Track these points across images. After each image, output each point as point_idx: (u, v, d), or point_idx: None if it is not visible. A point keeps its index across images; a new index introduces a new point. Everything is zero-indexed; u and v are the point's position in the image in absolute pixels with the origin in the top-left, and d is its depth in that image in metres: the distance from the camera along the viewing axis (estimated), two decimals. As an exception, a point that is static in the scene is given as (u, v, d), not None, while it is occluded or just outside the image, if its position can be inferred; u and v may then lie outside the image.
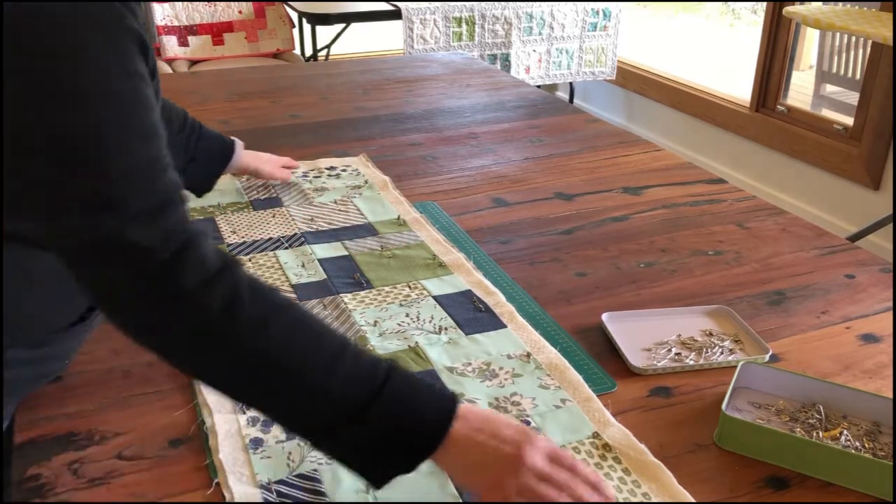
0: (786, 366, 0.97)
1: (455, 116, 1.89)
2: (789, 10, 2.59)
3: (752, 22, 6.73)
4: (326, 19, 3.23)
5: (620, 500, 0.73)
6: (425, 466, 0.72)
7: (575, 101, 4.31)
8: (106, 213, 0.64)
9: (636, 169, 1.59)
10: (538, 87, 3.13)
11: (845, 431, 0.85)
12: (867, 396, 0.87)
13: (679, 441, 0.85)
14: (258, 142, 1.56)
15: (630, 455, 0.81)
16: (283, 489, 0.76)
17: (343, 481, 0.78)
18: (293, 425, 0.72)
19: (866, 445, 0.83)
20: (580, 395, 0.90)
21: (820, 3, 3.13)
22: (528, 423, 0.86)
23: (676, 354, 0.99)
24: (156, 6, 3.40)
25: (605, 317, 1.04)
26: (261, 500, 0.75)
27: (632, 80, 4.04)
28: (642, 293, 1.14)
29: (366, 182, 1.48)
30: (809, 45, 4.74)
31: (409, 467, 0.71)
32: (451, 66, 2.35)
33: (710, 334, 1.03)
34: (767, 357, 0.98)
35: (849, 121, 2.99)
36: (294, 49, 3.71)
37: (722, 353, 0.99)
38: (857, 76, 3.41)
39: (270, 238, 1.25)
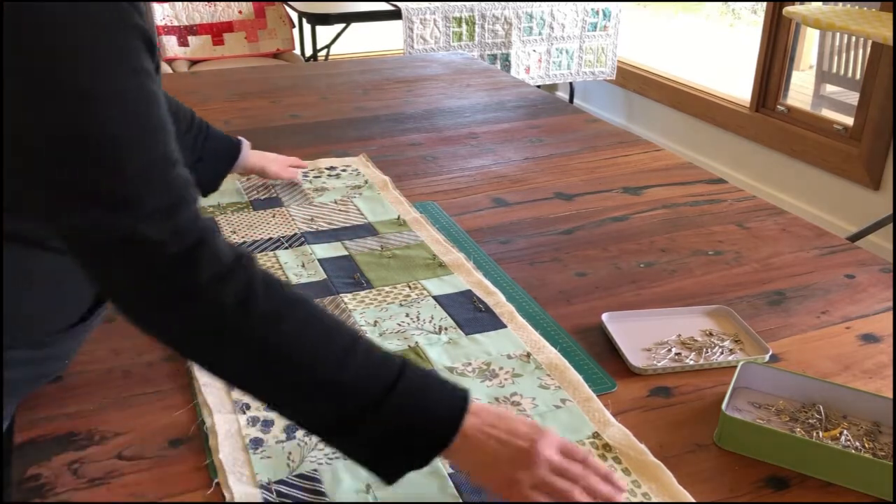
0: (786, 366, 0.97)
1: (455, 116, 1.89)
2: (789, 10, 2.59)
3: (752, 22, 6.73)
4: (326, 19, 3.23)
5: (621, 500, 0.73)
6: (425, 467, 0.72)
7: (575, 101, 4.31)
8: (121, 211, 0.64)
9: (636, 169, 1.59)
10: (538, 87, 3.13)
11: (845, 431, 0.85)
12: (867, 396, 0.87)
13: (679, 441, 0.85)
14: (258, 142, 1.56)
15: (630, 455, 0.81)
16: (283, 489, 0.76)
17: (343, 481, 0.78)
18: (306, 421, 0.72)
19: (866, 445, 0.83)
20: (580, 395, 0.90)
21: (820, 3, 3.13)
22: (528, 423, 0.86)
23: (676, 354, 0.99)
24: (156, 6, 3.40)
25: (605, 317, 1.04)
26: (261, 500, 0.75)
27: (632, 80, 4.04)
28: (642, 293, 1.14)
29: (366, 182, 1.48)
30: (809, 45, 4.74)
31: (422, 462, 0.71)
32: (451, 66, 2.35)
33: (710, 334, 1.03)
34: (767, 357, 0.98)
35: (849, 121, 2.99)
36: (294, 49, 3.71)
37: (722, 353, 0.99)
38: (857, 76, 3.41)
39: (270, 238, 1.25)
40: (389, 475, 0.71)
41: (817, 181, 3.09)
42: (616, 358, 0.98)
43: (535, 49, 3.59)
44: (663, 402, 0.91)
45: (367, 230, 1.29)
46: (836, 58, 3.55)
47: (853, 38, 3.43)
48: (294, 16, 3.63)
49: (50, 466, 0.79)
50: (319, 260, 1.19)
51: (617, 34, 3.75)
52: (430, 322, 1.04)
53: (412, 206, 1.38)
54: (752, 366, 0.91)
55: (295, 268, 1.16)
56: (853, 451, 0.80)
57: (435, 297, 1.10)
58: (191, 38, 3.50)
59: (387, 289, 1.12)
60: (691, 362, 0.97)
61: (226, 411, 0.86)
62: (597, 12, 3.65)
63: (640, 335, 1.02)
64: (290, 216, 1.33)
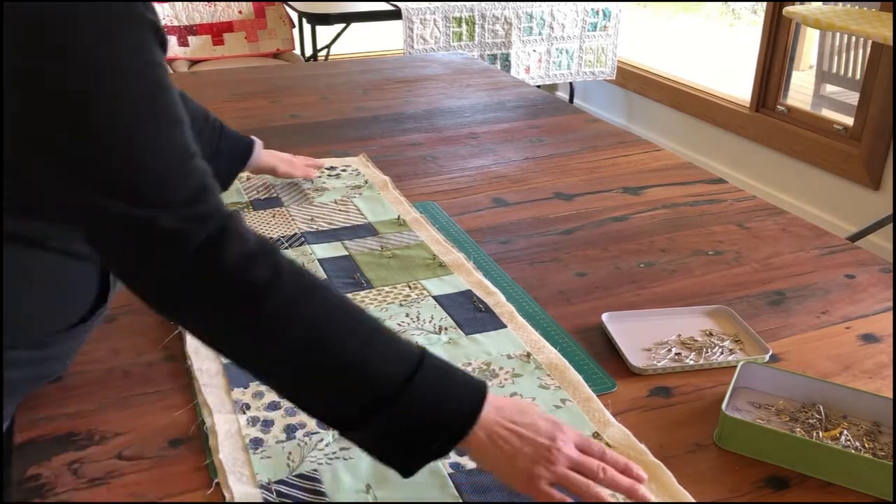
0: (786, 366, 0.97)
1: (455, 116, 1.89)
2: (789, 10, 2.59)
3: (752, 22, 6.73)
4: (326, 19, 3.23)
5: (620, 501, 0.73)
6: (426, 467, 0.72)
7: (575, 101, 4.31)
8: (143, 203, 0.64)
9: (636, 169, 1.59)
10: (538, 87, 3.13)
11: (845, 431, 0.85)
12: (867, 396, 0.87)
13: (679, 441, 0.85)
14: (258, 142, 1.56)
15: (630, 455, 0.81)
16: (283, 489, 0.76)
17: (343, 481, 0.78)
18: (324, 409, 0.71)
19: (866, 445, 0.83)
20: (580, 395, 0.90)
21: (820, 3, 3.13)
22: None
23: (676, 354, 0.99)
24: (156, 6, 3.40)
25: (605, 317, 1.04)
26: (261, 500, 0.75)
27: (632, 80, 4.04)
28: (642, 293, 1.14)
29: (366, 182, 1.48)
30: (809, 45, 4.74)
31: (439, 453, 0.71)
32: (451, 66, 2.35)
33: (710, 334, 1.03)
34: (767, 357, 0.98)
35: (849, 121, 2.99)
36: (294, 49, 3.71)
37: (722, 353, 0.99)
38: (857, 76, 3.41)
39: (270, 238, 1.25)
40: (405, 467, 0.71)
41: (817, 181, 3.09)
42: (616, 358, 0.98)
43: (535, 49, 3.59)
44: (663, 402, 0.91)
45: (367, 230, 1.29)
46: (836, 58, 3.55)
47: (853, 38, 3.43)
48: (294, 16, 3.63)
49: (50, 466, 0.79)
50: (319, 260, 1.19)
51: (617, 34, 3.75)
52: (430, 322, 1.04)
53: (412, 206, 1.38)
54: (752, 366, 0.91)
55: (295, 268, 1.16)
56: (853, 451, 0.80)
57: (435, 297, 1.10)
58: (191, 38, 3.50)
59: (387, 289, 1.12)
60: (691, 362, 0.97)
61: (226, 411, 0.86)
62: (597, 12, 3.65)
63: (640, 335, 1.02)
64: (290, 216, 1.33)
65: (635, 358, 0.97)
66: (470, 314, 1.06)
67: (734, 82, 4.07)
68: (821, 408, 0.88)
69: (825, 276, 1.19)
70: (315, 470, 0.79)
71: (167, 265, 0.67)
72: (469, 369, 0.95)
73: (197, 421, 0.86)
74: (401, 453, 0.71)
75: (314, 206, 1.37)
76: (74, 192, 0.65)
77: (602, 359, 0.98)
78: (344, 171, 1.53)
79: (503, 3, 3.43)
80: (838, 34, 3.45)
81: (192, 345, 0.96)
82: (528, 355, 0.98)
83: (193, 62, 3.50)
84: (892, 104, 2.72)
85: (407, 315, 1.06)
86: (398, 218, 1.33)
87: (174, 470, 0.79)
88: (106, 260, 0.69)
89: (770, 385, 0.91)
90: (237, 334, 0.69)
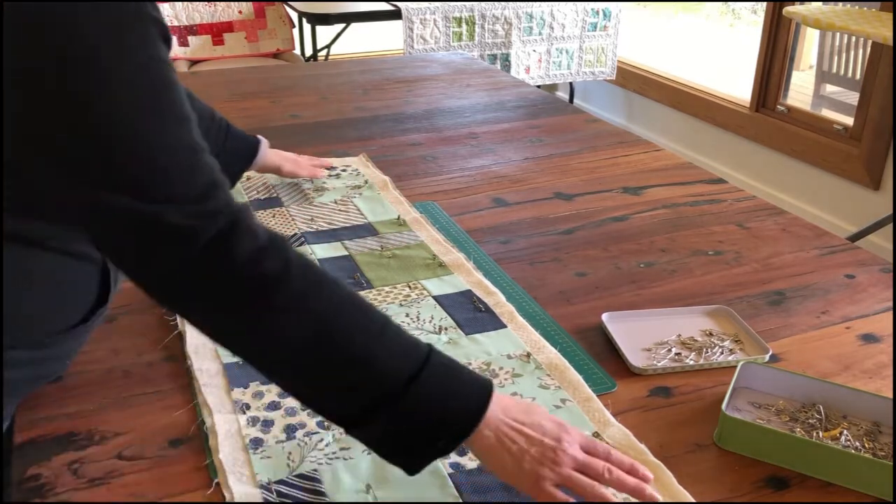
0: (786, 366, 0.97)
1: (455, 116, 1.89)
2: (789, 10, 2.59)
3: (752, 22, 6.73)
4: (326, 19, 3.23)
5: (620, 501, 0.73)
6: (428, 466, 0.72)
7: (575, 101, 4.31)
8: (151, 200, 0.64)
9: (636, 169, 1.59)
10: (538, 87, 3.13)
11: (845, 431, 0.85)
12: (867, 396, 0.87)
13: (679, 441, 0.85)
14: (258, 142, 1.56)
15: (630, 455, 0.81)
16: (283, 489, 0.76)
17: (343, 481, 0.78)
18: (331, 404, 0.71)
19: (866, 445, 0.83)
20: (580, 395, 0.90)
21: (820, 3, 3.13)
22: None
23: (676, 354, 0.99)
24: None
25: (605, 317, 1.04)
26: (261, 500, 0.75)
27: (632, 80, 4.04)
28: (642, 293, 1.14)
29: (366, 182, 1.48)
30: (809, 45, 4.74)
31: (445, 449, 0.71)
32: (451, 66, 2.35)
33: (710, 334, 1.03)
34: (767, 357, 0.98)
35: (849, 121, 2.99)
36: (294, 49, 3.71)
37: (722, 353, 0.99)
38: (857, 76, 3.41)
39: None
40: (410, 465, 0.71)
41: (817, 181, 3.09)
42: (616, 358, 0.98)
43: (535, 49, 3.59)
44: (663, 402, 0.91)
45: (367, 230, 1.29)
46: (836, 58, 3.56)
47: (853, 38, 3.43)
48: (294, 16, 3.63)
49: (50, 466, 0.79)
50: (319, 260, 1.19)
51: (617, 34, 3.75)
52: (430, 322, 1.04)
53: (412, 206, 1.38)
54: (752, 366, 0.91)
55: (295, 268, 1.16)
56: (853, 451, 0.80)
57: (435, 297, 1.10)
58: (191, 38, 3.50)
59: (387, 289, 1.12)
60: (691, 362, 0.97)
61: (226, 411, 0.86)
62: (597, 12, 3.65)
63: (640, 335, 1.02)
64: (290, 216, 1.33)
65: (635, 358, 0.97)
66: (470, 314, 1.06)
67: (734, 82, 4.07)
68: (821, 408, 0.88)
69: (825, 276, 1.19)
70: (315, 470, 0.79)
71: (176, 261, 0.66)
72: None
73: (197, 421, 0.86)
74: (406, 451, 0.71)
75: (314, 206, 1.37)
76: (80, 191, 0.64)
77: (602, 359, 0.98)
78: (344, 171, 1.53)
79: (503, 3, 3.43)
80: (838, 34, 3.45)
81: (192, 345, 0.96)
82: (528, 355, 0.98)
83: (193, 62, 3.50)
84: (892, 104, 2.72)
85: (407, 315, 1.06)
86: (398, 218, 1.33)
87: (174, 470, 0.79)
88: (113, 258, 0.69)
89: (770, 385, 0.91)
90: (246, 328, 0.69)
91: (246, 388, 0.90)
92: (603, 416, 0.87)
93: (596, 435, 0.84)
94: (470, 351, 0.98)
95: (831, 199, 3.04)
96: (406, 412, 0.69)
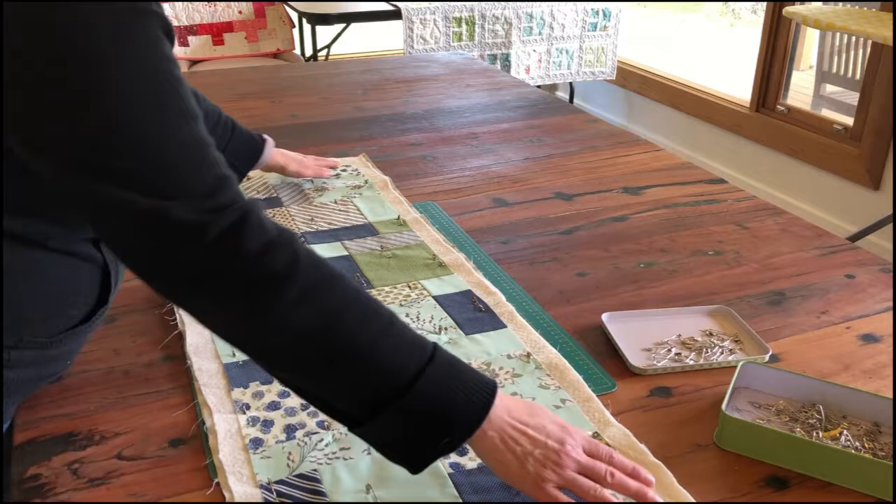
0: (786, 366, 0.97)
1: (455, 116, 1.89)
2: (789, 10, 2.59)
3: (752, 22, 6.73)
4: (326, 19, 3.23)
5: (620, 501, 0.73)
6: (429, 466, 0.72)
7: (575, 101, 4.31)
8: (161, 196, 0.64)
9: (636, 169, 1.59)
10: (538, 87, 3.13)
11: (845, 431, 0.85)
12: (867, 396, 0.87)
13: (679, 441, 0.85)
14: (258, 142, 1.56)
15: (630, 455, 0.81)
16: (283, 489, 0.76)
17: (343, 481, 0.78)
18: (336, 401, 0.71)
19: (866, 445, 0.83)
20: (580, 395, 0.90)
21: (820, 3, 3.13)
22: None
23: (676, 354, 0.99)
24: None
25: (605, 317, 1.04)
26: (261, 500, 0.75)
27: (632, 80, 4.04)
28: (642, 293, 1.14)
29: (366, 182, 1.48)
30: (809, 45, 4.74)
31: (449, 448, 0.71)
32: (451, 66, 2.35)
33: (710, 334, 1.03)
34: (767, 357, 0.98)
35: (849, 121, 2.99)
36: (294, 49, 3.71)
37: (722, 353, 0.99)
38: (857, 76, 3.41)
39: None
40: (413, 463, 0.71)
41: (817, 181, 3.09)
42: (616, 358, 0.98)
43: (535, 49, 3.59)
44: (663, 402, 0.91)
45: (367, 230, 1.29)
46: (836, 58, 3.55)
47: (853, 38, 3.43)
48: (294, 16, 3.63)
49: (50, 466, 0.79)
50: (319, 260, 1.19)
51: (617, 34, 3.75)
52: (431, 322, 1.04)
53: (412, 206, 1.38)
54: (752, 366, 0.91)
55: (295, 268, 1.16)
56: (853, 451, 0.80)
57: (435, 297, 1.10)
58: (191, 38, 3.50)
59: (387, 289, 1.12)
60: (691, 362, 0.97)
61: (226, 411, 0.86)
62: (597, 12, 3.65)
63: (640, 335, 1.02)
64: (290, 216, 1.33)
65: (635, 358, 0.97)
66: (470, 314, 1.06)
67: (734, 82, 4.07)
68: (821, 408, 0.88)
69: (825, 276, 1.19)
70: (315, 470, 0.79)
71: (185, 256, 0.66)
72: (469, 369, 0.95)
73: (197, 421, 0.86)
74: (408, 449, 0.71)
75: (314, 206, 1.37)
76: (87, 189, 0.64)
77: (602, 359, 0.98)
78: (344, 171, 1.53)
79: (503, 3, 3.43)
80: (838, 34, 3.45)
81: (192, 345, 0.96)
82: (528, 355, 0.98)
83: (193, 62, 3.50)
84: (892, 104, 2.72)
85: (407, 315, 1.06)
86: (398, 218, 1.33)
87: (174, 470, 0.79)
88: (121, 255, 0.69)
89: (770, 385, 0.91)
90: (254, 323, 0.69)
91: (246, 388, 0.90)
92: (603, 416, 0.87)
93: (596, 435, 0.84)
94: (470, 351, 0.98)
95: (831, 199, 3.04)
96: (410, 409, 0.69)
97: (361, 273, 1.16)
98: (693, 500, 0.76)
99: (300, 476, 0.78)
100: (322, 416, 0.86)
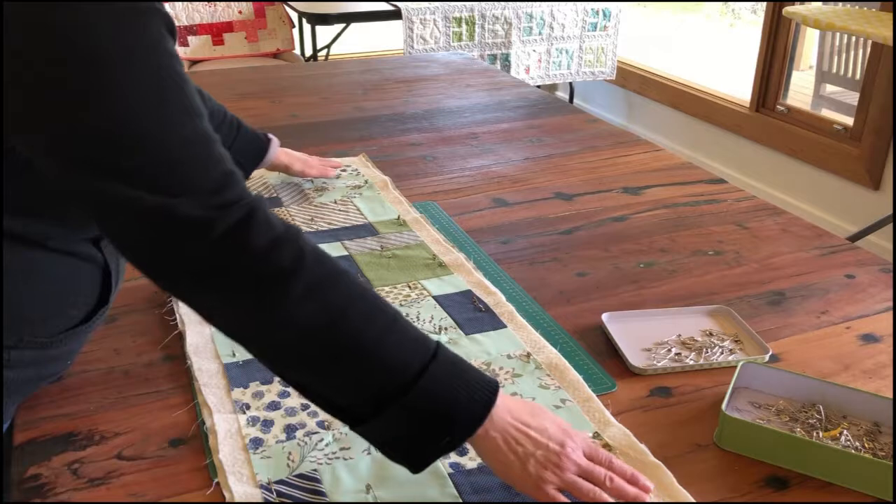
0: (786, 366, 0.97)
1: (455, 116, 1.89)
2: (789, 10, 2.59)
3: (752, 22, 6.73)
4: (326, 19, 3.23)
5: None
6: (429, 466, 0.72)
7: (575, 101, 4.31)
8: (169, 191, 0.64)
9: (636, 169, 1.59)
10: (538, 87, 3.13)
11: (845, 431, 0.85)
12: (867, 396, 0.87)
13: (679, 441, 0.85)
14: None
15: (630, 455, 0.81)
16: (283, 489, 0.76)
17: (343, 481, 0.78)
18: (338, 398, 0.71)
19: (866, 445, 0.83)
20: (580, 395, 0.90)
21: (820, 3, 3.13)
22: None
23: (676, 354, 0.99)
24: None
25: (605, 317, 1.04)
26: (261, 500, 0.75)
27: (632, 80, 4.04)
28: (642, 293, 1.14)
29: (366, 182, 1.48)
30: (809, 45, 4.74)
31: (450, 446, 0.71)
32: (451, 66, 2.35)
33: (710, 334, 1.03)
34: (767, 357, 0.98)
35: (849, 121, 2.99)
36: (294, 49, 3.71)
37: (722, 353, 0.99)
38: (857, 76, 3.41)
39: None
40: (415, 462, 0.71)
41: (817, 181, 3.09)
42: (616, 358, 0.98)
43: (535, 49, 3.59)
44: (663, 402, 0.91)
45: (367, 230, 1.29)
46: (836, 58, 3.55)
47: (853, 38, 3.43)
48: (294, 16, 3.63)
49: (50, 466, 0.79)
50: (319, 260, 1.19)
51: (617, 34, 3.75)
52: (431, 322, 1.04)
53: (412, 206, 1.38)
54: (752, 366, 0.91)
55: (295, 268, 1.16)
56: (853, 451, 0.80)
57: (435, 297, 1.10)
58: (191, 38, 3.50)
59: (387, 289, 1.12)
60: (691, 362, 0.97)
61: (226, 411, 0.86)
62: (597, 12, 3.65)
63: (640, 335, 1.02)
64: (290, 216, 1.33)
65: (635, 358, 0.97)
66: (470, 314, 1.06)
67: (734, 82, 4.07)
68: (821, 408, 0.88)
69: (825, 276, 1.19)
70: (315, 470, 0.79)
71: (192, 253, 0.66)
72: (469, 369, 0.95)
73: (197, 421, 0.86)
74: (410, 447, 0.71)
75: (314, 206, 1.37)
76: (93, 187, 0.64)
77: (602, 359, 0.98)
78: (344, 171, 1.53)
79: (503, 3, 3.43)
80: (838, 34, 3.45)
81: (192, 345, 0.96)
82: (528, 355, 0.98)
83: (193, 62, 3.50)
84: (892, 104, 2.72)
85: (407, 315, 1.06)
86: (398, 218, 1.33)
87: (174, 470, 0.79)
88: (127, 253, 0.69)
89: (770, 385, 0.91)
90: (260, 318, 0.68)
91: (246, 388, 0.90)
92: (603, 416, 0.87)
93: (596, 435, 0.84)
94: (470, 351, 0.98)
95: (831, 199, 3.04)
96: (413, 406, 0.69)
97: (361, 273, 1.16)
98: (693, 500, 0.76)
99: (300, 476, 0.78)
100: (322, 416, 0.86)
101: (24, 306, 0.78)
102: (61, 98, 0.61)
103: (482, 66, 2.38)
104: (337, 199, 1.40)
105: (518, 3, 3.46)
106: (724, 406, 0.84)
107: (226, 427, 0.84)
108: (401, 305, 1.08)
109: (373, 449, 0.80)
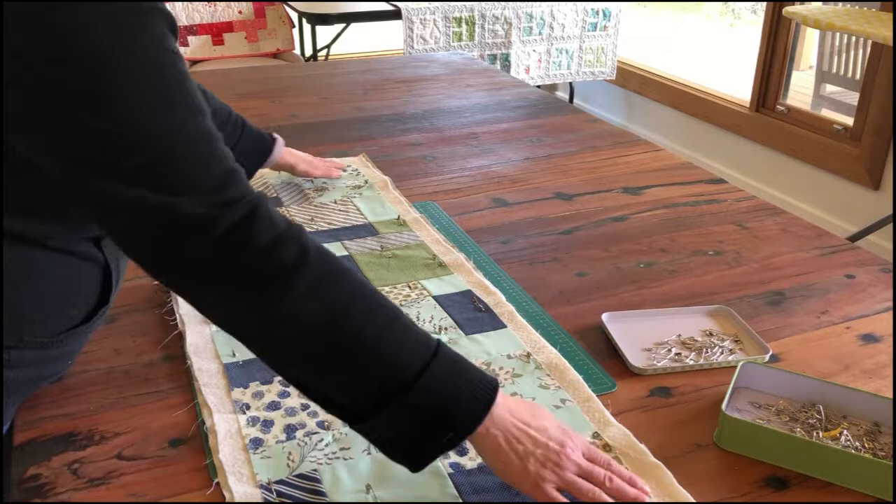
0: (786, 366, 0.97)
1: (455, 116, 1.89)
2: (789, 10, 2.59)
3: (752, 22, 6.73)
4: (326, 19, 3.23)
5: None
6: (428, 466, 0.72)
7: (575, 101, 4.31)
8: (171, 190, 0.64)
9: (636, 169, 1.59)
10: (538, 87, 3.13)
11: (845, 431, 0.85)
12: (867, 396, 0.87)
13: (679, 441, 0.85)
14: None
15: (630, 455, 0.81)
16: (283, 489, 0.76)
17: (343, 481, 0.78)
18: (338, 396, 0.71)
19: (866, 445, 0.83)
20: (580, 395, 0.90)
21: (820, 3, 3.13)
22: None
23: (676, 354, 0.99)
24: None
25: (605, 317, 1.04)
26: (261, 500, 0.75)
27: (632, 80, 4.04)
28: (642, 293, 1.14)
29: (366, 182, 1.48)
30: (809, 45, 4.74)
31: (450, 445, 0.71)
32: (451, 66, 2.35)
33: (710, 334, 1.03)
34: (767, 357, 0.98)
35: (849, 121, 2.99)
36: (294, 49, 3.71)
37: (722, 353, 0.99)
38: (857, 76, 3.41)
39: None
40: (414, 461, 0.71)
41: (817, 181, 3.09)
42: (616, 358, 0.98)
43: (535, 49, 3.59)
44: (663, 402, 0.91)
45: (368, 230, 1.29)
46: (836, 58, 3.55)
47: (853, 38, 3.43)
48: (294, 16, 3.63)
49: (50, 466, 0.79)
50: (319, 260, 1.19)
51: (617, 34, 3.75)
52: (431, 322, 1.04)
53: (412, 206, 1.38)
54: (752, 366, 0.91)
55: (295, 268, 1.16)
56: (853, 451, 0.80)
57: (435, 297, 1.10)
58: (191, 38, 3.50)
59: (387, 289, 1.12)
60: (691, 362, 0.97)
61: (226, 411, 0.86)
62: (597, 12, 3.65)
63: (640, 335, 1.02)
64: (290, 216, 1.33)
65: (635, 358, 0.97)
66: (470, 314, 1.06)
67: (734, 82, 4.07)
68: (821, 408, 0.88)
69: (825, 276, 1.19)
70: (315, 470, 0.79)
71: (195, 250, 0.66)
72: (469, 369, 0.95)
73: (197, 421, 0.86)
74: (410, 446, 0.71)
75: (314, 206, 1.37)
76: (95, 186, 0.64)
77: (602, 359, 0.98)
78: (344, 171, 1.53)
79: (503, 3, 3.43)
80: (838, 34, 3.45)
81: (192, 345, 0.96)
82: (528, 355, 0.98)
83: (193, 62, 3.50)
84: (892, 104, 2.72)
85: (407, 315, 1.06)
86: (398, 218, 1.33)
87: (174, 470, 0.79)
88: (130, 251, 0.69)
89: (770, 385, 0.91)
90: (262, 316, 0.68)
91: (246, 388, 0.90)
92: (603, 416, 0.87)
93: (596, 435, 0.84)
94: (470, 351, 0.98)
95: (831, 199, 3.04)
96: (414, 404, 0.69)
97: (362, 273, 1.16)
98: (693, 500, 0.76)
99: (300, 476, 0.78)
100: (322, 416, 0.86)
101: (24, 306, 0.78)
102: (61, 98, 0.61)
103: (482, 66, 2.38)
104: (337, 199, 1.40)
105: (518, 3, 3.46)
106: (724, 406, 0.84)
107: (226, 427, 0.84)
108: (401, 305, 1.08)
109: (373, 449, 0.80)
